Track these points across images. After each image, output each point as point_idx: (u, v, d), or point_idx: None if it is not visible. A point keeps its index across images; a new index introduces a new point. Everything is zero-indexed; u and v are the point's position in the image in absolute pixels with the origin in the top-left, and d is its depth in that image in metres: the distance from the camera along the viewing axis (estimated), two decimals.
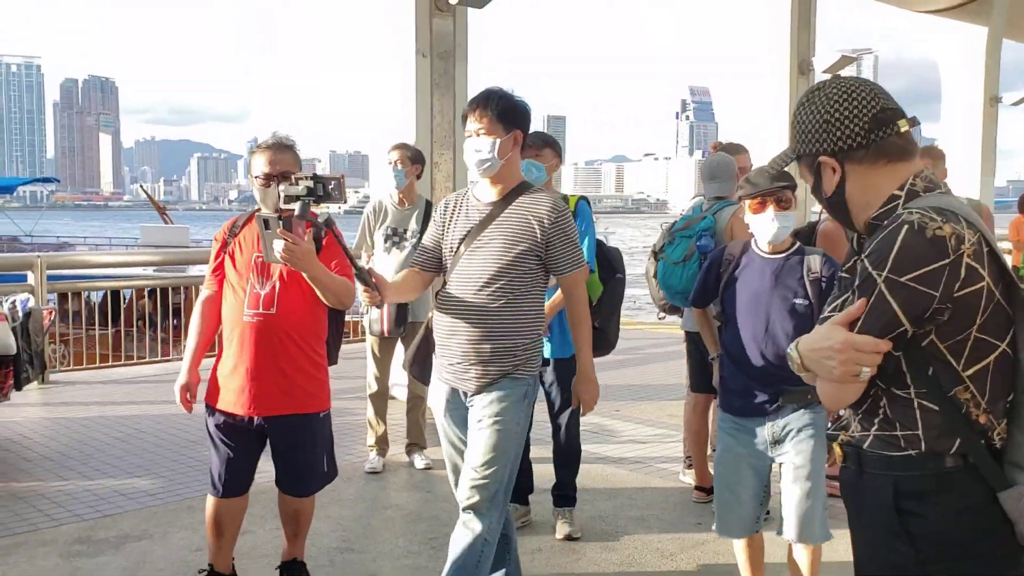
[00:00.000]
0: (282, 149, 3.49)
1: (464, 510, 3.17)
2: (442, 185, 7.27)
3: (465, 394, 3.27)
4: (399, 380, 5.99)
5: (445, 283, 3.31)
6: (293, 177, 3.13)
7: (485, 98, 3.23)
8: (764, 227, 3.31)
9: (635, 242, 48.60)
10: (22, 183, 32.90)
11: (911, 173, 1.83)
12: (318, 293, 3.34)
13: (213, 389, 3.50)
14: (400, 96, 7.26)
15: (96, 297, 11.41)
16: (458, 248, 3.26)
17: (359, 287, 3.18)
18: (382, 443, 5.59)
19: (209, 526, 3.59)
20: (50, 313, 7.94)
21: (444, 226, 3.34)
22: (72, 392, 7.75)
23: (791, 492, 3.29)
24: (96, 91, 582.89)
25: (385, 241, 5.46)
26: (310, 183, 3.05)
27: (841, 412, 1.93)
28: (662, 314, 5.08)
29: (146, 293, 11.82)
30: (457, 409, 3.32)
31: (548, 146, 4.52)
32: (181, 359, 3.69)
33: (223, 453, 3.51)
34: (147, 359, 10.03)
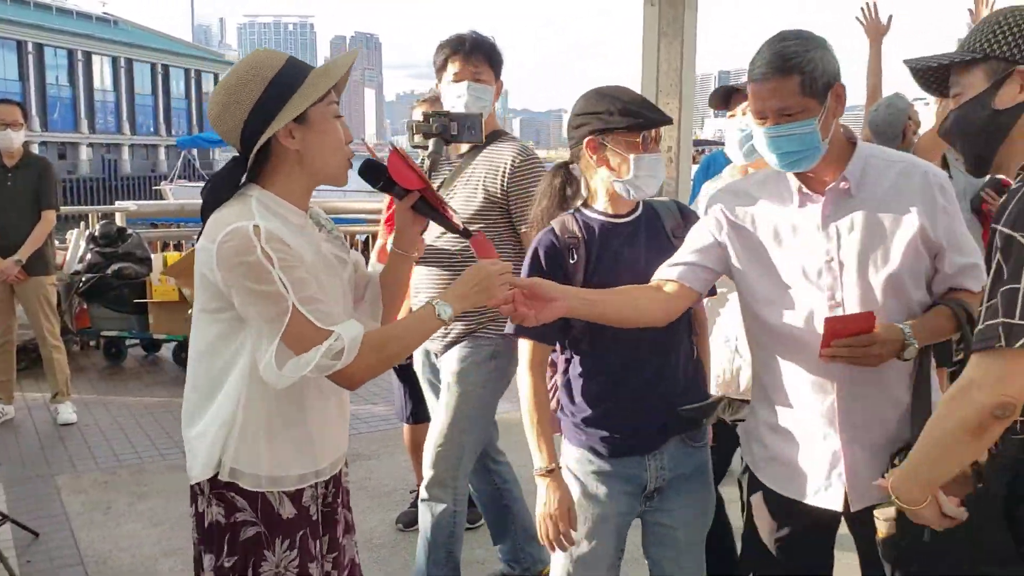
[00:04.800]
0: (435, 102, 3.48)
1: (427, 484, 3.05)
2: (667, 134, 7.27)
3: (433, 354, 3.17)
4: None
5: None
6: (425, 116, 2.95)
7: (477, 42, 3.00)
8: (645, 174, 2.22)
9: None
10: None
11: None
12: None
13: None
14: (627, 44, 7.30)
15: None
16: None
17: None
18: None
19: (409, 453, 4.01)
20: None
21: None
22: None
23: (672, 568, 2.37)
24: (361, 46, 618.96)
25: None
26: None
27: None
28: None
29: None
30: (431, 369, 3.24)
31: None
32: None
33: (401, 386, 3.86)
34: None
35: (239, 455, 1.81)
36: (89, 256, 7.09)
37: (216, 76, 67.35)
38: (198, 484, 1.86)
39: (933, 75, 1.78)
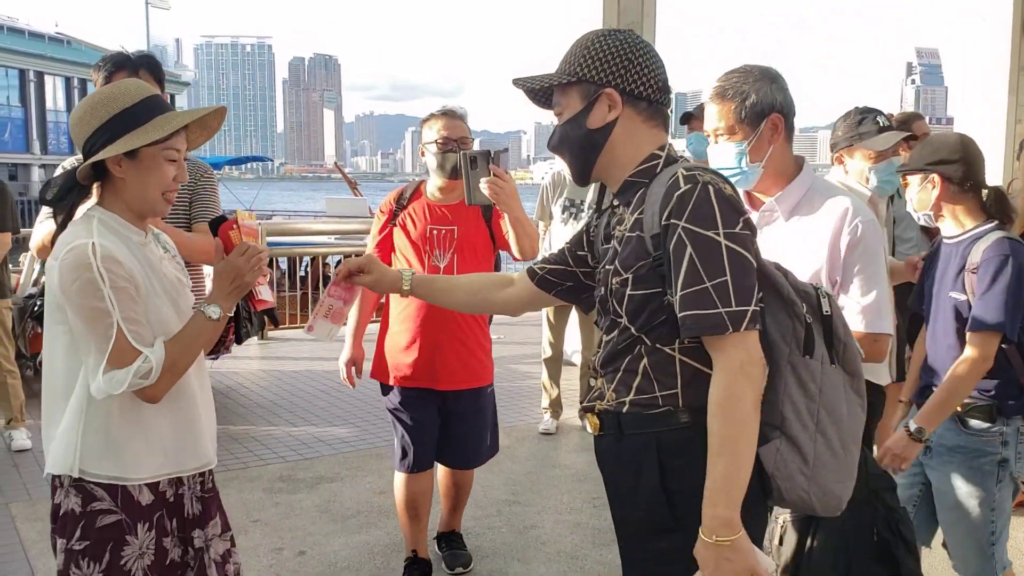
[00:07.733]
0: (456, 117, 3.43)
1: None
2: None
3: None
4: (575, 346, 6.20)
5: None
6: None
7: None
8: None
9: None
10: (228, 162, 30.92)
11: (667, 142, 1.88)
12: (513, 238, 3.19)
13: (385, 365, 3.43)
14: None
15: (284, 264, 11.95)
16: None
17: None
18: (556, 406, 5.84)
19: (405, 508, 3.54)
20: (265, 276, 8.72)
21: None
22: (286, 348, 8.49)
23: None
24: (320, 68, 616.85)
25: (563, 212, 5.64)
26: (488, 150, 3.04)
27: (592, 382, 1.93)
28: None
29: (331, 260, 12.47)
30: None
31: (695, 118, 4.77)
32: (377, 321, 3.67)
33: (412, 428, 3.44)
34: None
35: (84, 456, 1.97)
36: (44, 279, 6.97)
37: (172, 96, 66.55)
38: (58, 477, 2.01)
39: (542, 92, 1.92)
